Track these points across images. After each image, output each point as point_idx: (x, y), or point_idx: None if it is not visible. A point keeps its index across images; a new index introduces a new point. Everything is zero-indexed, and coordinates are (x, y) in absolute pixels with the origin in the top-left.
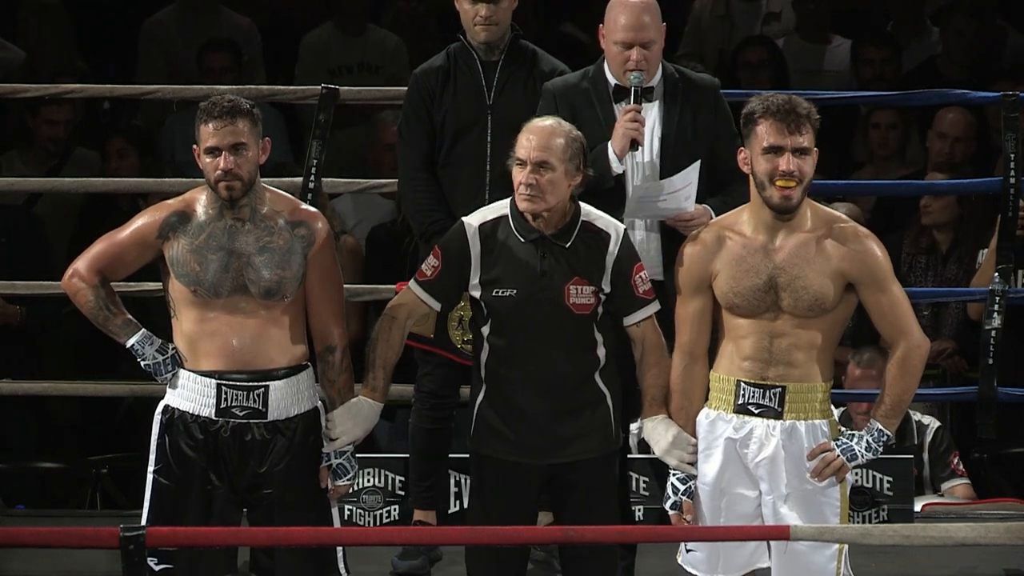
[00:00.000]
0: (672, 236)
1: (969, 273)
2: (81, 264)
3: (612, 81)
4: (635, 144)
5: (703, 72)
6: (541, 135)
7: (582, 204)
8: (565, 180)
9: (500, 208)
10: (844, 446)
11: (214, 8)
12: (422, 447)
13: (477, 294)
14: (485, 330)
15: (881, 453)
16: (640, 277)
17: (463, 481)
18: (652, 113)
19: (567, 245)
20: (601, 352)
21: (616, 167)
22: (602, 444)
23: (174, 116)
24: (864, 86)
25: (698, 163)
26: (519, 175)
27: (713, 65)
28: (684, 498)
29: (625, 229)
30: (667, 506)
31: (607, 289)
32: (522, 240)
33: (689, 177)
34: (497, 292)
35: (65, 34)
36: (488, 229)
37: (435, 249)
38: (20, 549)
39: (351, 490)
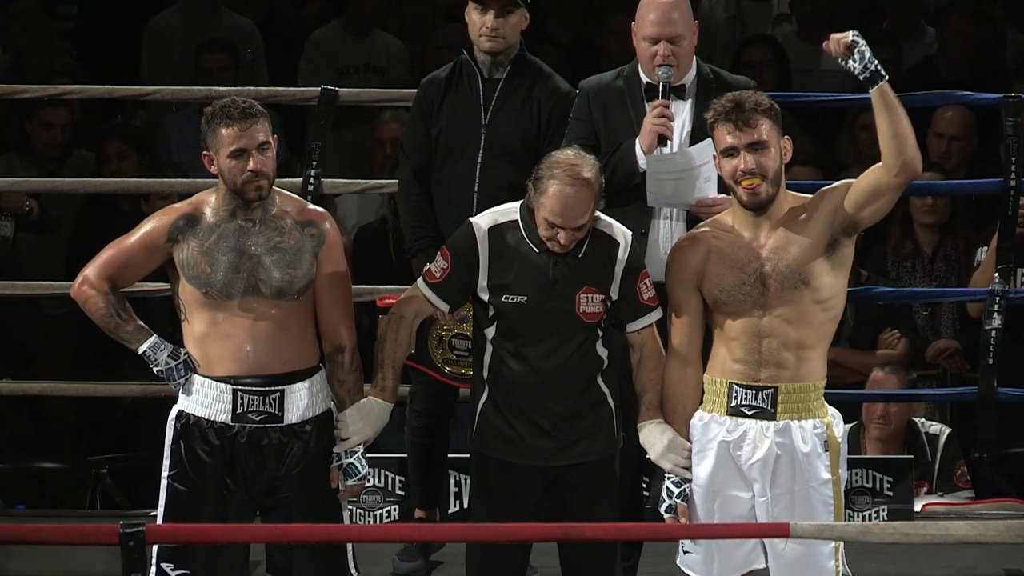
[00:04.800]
0: None
1: (958, 270)
2: (91, 271)
3: (644, 79)
4: (663, 139)
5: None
6: (578, 204)
7: None
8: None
9: (510, 212)
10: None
11: (216, 9)
12: (418, 460)
13: (485, 297)
14: (490, 332)
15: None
16: (645, 284)
17: (463, 481)
18: (683, 110)
19: (580, 254)
20: (603, 353)
21: (643, 163)
22: (605, 446)
23: (170, 116)
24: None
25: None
26: (550, 231)
27: (723, 66)
28: (679, 501)
29: (632, 235)
30: (662, 509)
31: (615, 296)
32: (535, 249)
33: (705, 153)
34: (507, 298)
35: (50, 35)
36: (498, 233)
37: (443, 250)
38: (20, 549)
39: (362, 490)
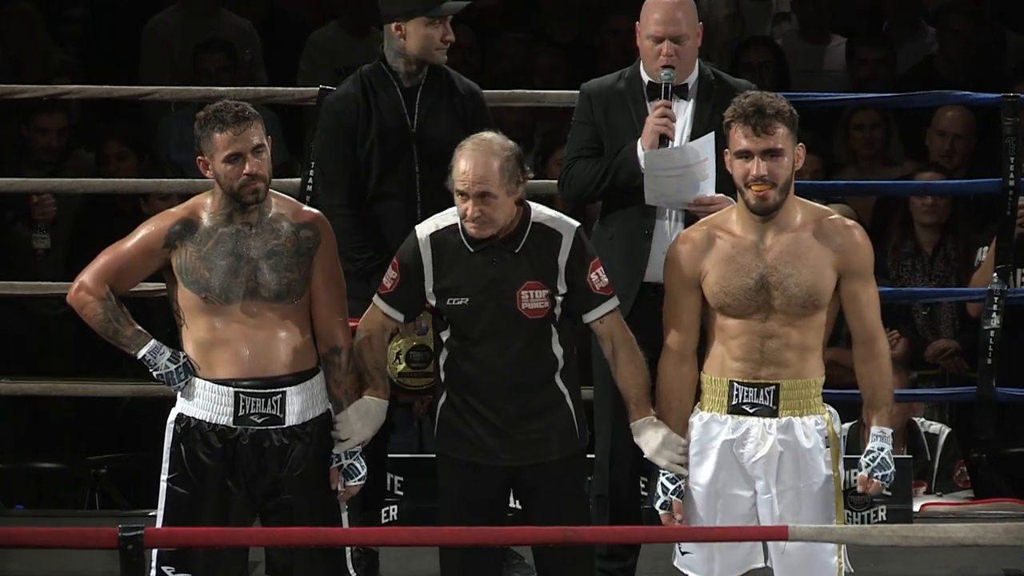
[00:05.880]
0: None
1: (958, 270)
2: (87, 277)
3: (646, 80)
4: (665, 139)
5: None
6: (477, 165)
7: (533, 205)
8: (508, 200)
9: (450, 216)
10: (875, 462)
11: (215, 9)
12: None
13: (433, 302)
14: (444, 335)
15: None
16: (596, 274)
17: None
18: (685, 111)
19: (516, 250)
20: (559, 352)
21: (644, 164)
22: (564, 446)
23: (169, 116)
24: (860, 85)
25: (712, 135)
26: (463, 205)
27: (721, 66)
28: (674, 498)
29: (578, 227)
30: (657, 506)
31: (562, 290)
32: (471, 249)
33: (705, 150)
34: (451, 301)
35: (47, 37)
36: (439, 238)
37: (393, 261)
38: (19, 550)
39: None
